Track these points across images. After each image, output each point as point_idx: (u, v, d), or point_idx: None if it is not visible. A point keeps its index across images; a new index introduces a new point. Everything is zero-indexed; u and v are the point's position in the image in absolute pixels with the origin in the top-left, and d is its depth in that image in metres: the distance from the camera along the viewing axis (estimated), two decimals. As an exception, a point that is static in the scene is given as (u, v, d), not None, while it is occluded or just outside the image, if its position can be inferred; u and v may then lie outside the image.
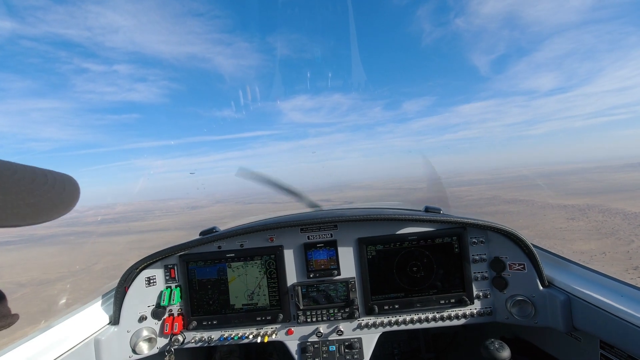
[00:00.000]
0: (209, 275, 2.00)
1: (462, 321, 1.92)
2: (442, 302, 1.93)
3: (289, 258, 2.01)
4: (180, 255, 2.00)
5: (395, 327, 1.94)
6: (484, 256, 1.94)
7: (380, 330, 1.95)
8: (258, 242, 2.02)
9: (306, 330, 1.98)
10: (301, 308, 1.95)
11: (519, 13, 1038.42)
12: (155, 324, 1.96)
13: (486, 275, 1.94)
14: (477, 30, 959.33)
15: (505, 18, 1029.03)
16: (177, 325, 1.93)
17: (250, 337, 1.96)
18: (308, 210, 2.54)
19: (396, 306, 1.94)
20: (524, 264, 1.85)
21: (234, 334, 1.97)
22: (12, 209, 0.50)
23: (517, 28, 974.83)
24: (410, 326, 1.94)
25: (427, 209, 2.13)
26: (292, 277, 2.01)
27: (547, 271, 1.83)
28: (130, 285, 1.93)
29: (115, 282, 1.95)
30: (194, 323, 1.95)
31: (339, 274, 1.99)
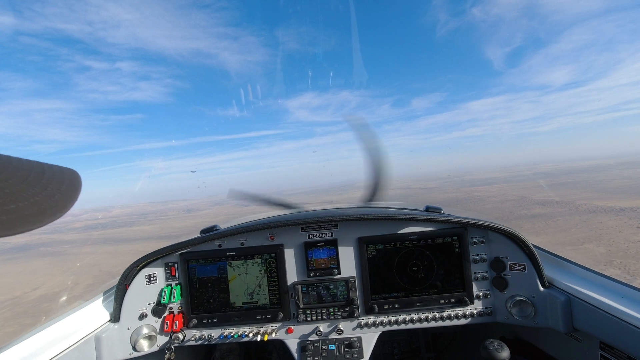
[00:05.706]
0: (210, 273, 2.01)
1: (462, 321, 1.92)
2: (442, 302, 1.93)
3: (290, 257, 2.01)
4: (180, 254, 2.00)
5: (395, 327, 1.94)
6: (485, 256, 1.94)
7: (380, 329, 1.96)
8: (258, 241, 2.02)
9: (306, 329, 1.98)
10: (301, 307, 1.95)
11: (539, 0, 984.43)
12: (156, 322, 1.96)
13: (486, 275, 1.94)
14: (494, 20, 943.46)
15: (525, 6, 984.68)
16: (178, 323, 1.94)
17: (250, 335, 1.96)
18: (309, 209, 2.55)
19: (396, 306, 1.94)
20: (524, 265, 1.85)
21: (234, 332, 1.97)
22: (15, 213, 0.44)
23: (536, 17, 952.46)
24: (410, 326, 1.94)
25: (427, 209, 2.13)
26: (292, 275, 2.01)
27: (548, 272, 1.83)
28: (130, 283, 1.94)
29: (115, 281, 1.95)
30: (194, 321, 1.96)
31: (339, 273, 1.99)
